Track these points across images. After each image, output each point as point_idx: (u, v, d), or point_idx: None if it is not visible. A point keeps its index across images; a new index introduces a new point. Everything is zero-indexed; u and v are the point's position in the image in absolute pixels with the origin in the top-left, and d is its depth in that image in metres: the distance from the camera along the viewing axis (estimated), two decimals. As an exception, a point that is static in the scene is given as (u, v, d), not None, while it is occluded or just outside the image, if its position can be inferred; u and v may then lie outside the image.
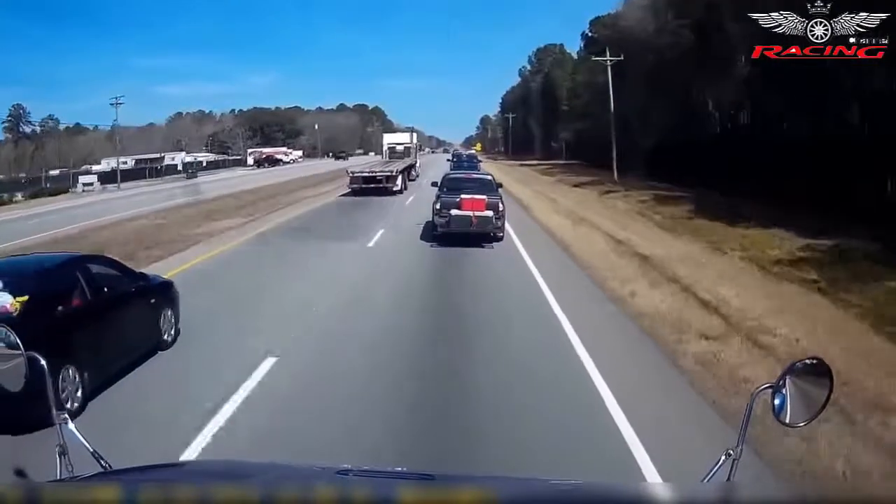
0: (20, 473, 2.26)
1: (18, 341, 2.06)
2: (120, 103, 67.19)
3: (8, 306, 6.38)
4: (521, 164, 72.59)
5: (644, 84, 41.50)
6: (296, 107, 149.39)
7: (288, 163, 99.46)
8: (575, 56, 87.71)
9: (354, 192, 31.75)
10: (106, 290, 7.51)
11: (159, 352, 8.40)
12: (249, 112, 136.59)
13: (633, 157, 40.54)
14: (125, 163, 72.20)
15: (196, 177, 61.08)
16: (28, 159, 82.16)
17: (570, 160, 73.31)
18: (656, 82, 40.07)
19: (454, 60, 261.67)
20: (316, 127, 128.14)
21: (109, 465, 1.94)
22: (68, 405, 6.28)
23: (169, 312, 8.79)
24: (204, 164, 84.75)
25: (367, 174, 33.00)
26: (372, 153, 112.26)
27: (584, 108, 68.10)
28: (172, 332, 8.78)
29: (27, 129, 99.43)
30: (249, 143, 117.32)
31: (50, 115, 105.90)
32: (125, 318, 7.67)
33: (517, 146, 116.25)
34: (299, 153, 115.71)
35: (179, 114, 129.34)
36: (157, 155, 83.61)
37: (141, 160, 77.07)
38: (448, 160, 57.62)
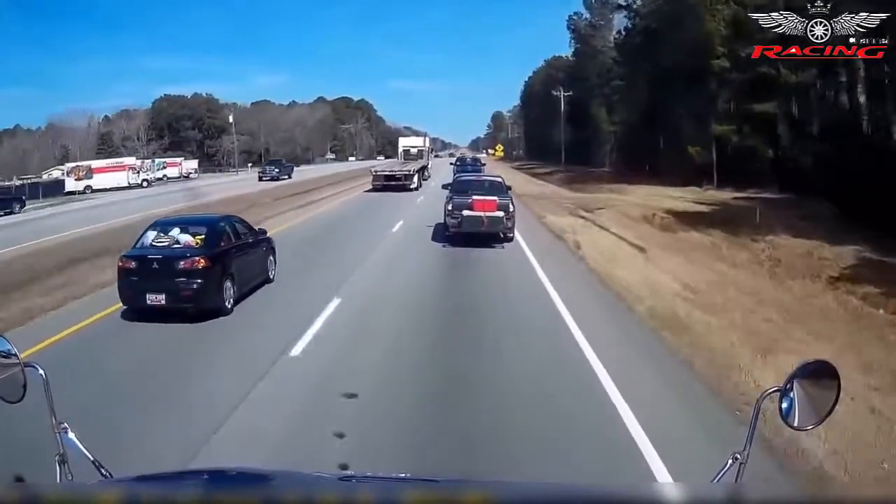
0: (19, 481, 2.21)
1: (16, 351, 2.02)
2: None
3: (191, 241, 10.19)
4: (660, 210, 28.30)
5: None
6: (265, 100, 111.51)
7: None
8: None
9: (376, 189, 35.19)
10: (241, 237, 11.32)
11: (266, 284, 12.15)
12: (158, 103, 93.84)
13: None
14: None
15: None
16: None
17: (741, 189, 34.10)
18: None
19: (459, 57, 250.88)
20: (230, 120, 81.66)
21: (110, 474, 1.94)
22: (227, 304, 10.09)
23: (272, 258, 12.62)
24: None
25: (387, 173, 36.61)
26: (352, 157, 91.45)
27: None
28: (274, 271, 12.57)
29: None
30: (154, 144, 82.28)
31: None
32: (252, 257, 11.54)
33: (570, 152, 67.79)
34: (189, 166, 67.46)
35: (127, 110, 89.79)
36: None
37: None
38: (451, 164, 53.66)
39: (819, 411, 1.91)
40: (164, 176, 61.34)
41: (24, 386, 1.98)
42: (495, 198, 16.70)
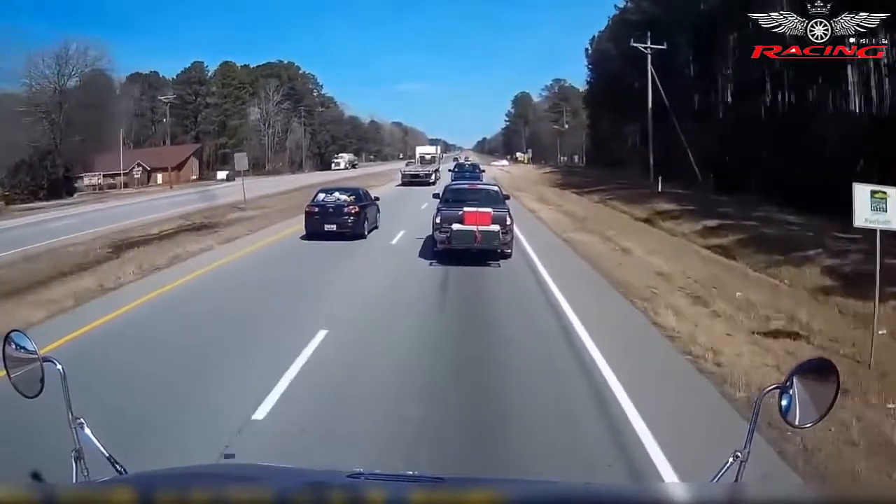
0: (36, 477, 2.25)
1: (35, 346, 2.09)
2: None
3: (347, 198, 19.48)
4: None
5: None
6: (137, 74, 72.41)
7: None
8: None
9: (404, 184, 45.66)
10: (367, 198, 20.61)
11: (375, 229, 21.29)
12: None
13: None
14: None
15: None
16: None
17: None
18: None
19: (459, 55, 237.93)
20: None
21: (125, 470, 2.00)
22: (365, 233, 19.31)
23: (378, 214, 21.77)
24: None
25: (413, 173, 48.75)
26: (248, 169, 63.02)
27: None
28: (380, 222, 21.77)
29: None
30: None
31: None
32: (372, 210, 20.82)
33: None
34: None
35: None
36: None
37: None
38: (450, 170, 48.03)
39: (819, 407, 1.93)
40: None
41: (42, 381, 2.03)
42: (490, 209, 15.16)
